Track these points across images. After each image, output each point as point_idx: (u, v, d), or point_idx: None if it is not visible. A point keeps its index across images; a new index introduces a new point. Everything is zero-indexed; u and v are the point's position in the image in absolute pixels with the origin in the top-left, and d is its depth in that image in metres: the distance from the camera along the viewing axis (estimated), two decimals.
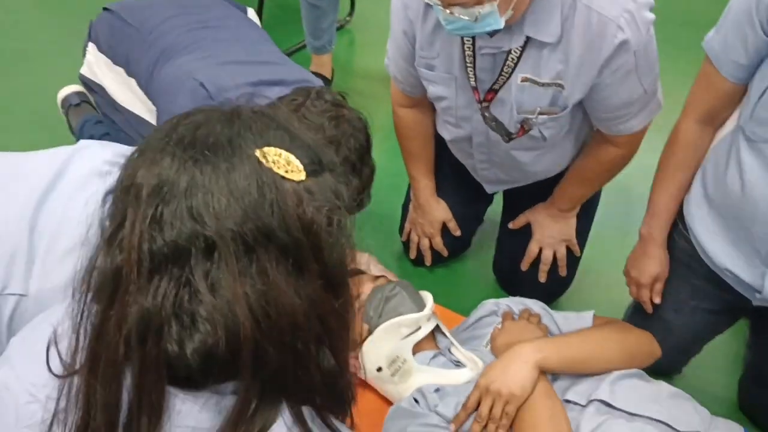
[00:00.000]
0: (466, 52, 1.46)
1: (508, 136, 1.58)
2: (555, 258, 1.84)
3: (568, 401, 1.33)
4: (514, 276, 1.91)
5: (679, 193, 1.49)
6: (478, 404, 1.32)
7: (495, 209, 2.00)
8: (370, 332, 1.52)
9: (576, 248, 1.83)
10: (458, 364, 1.50)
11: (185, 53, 1.72)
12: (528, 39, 1.40)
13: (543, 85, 1.45)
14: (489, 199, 1.98)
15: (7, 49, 2.72)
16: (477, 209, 2.00)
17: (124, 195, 0.68)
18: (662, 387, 1.40)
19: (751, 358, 1.61)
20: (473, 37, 1.43)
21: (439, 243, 1.95)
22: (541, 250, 1.83)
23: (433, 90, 1.60)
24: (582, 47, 1.37)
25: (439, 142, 1.82)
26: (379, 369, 1.52)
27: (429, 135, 1.82)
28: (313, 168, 0.73)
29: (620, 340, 1.44)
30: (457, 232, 1.94)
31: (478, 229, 2.05)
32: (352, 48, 2.97)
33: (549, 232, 1.80)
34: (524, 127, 1.55)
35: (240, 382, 0.69)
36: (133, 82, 1.81)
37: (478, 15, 1.25)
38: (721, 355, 1.80)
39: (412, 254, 2.01)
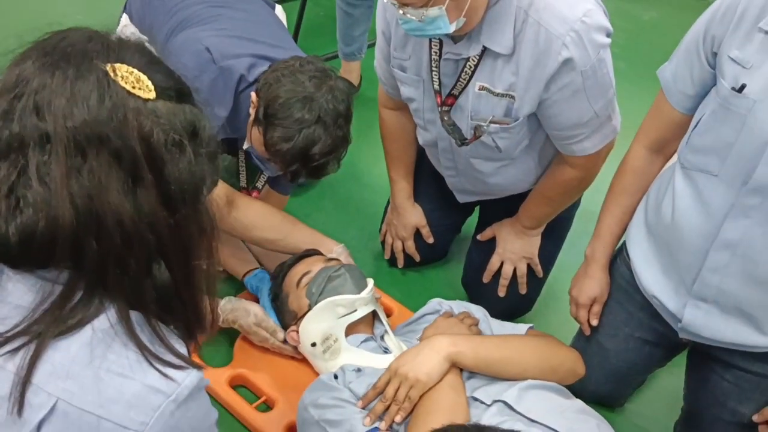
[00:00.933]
0: (433, 57, 1.54)
1: (462, 141, 1.63)
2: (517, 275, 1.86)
3: (475, 399, 1.36)
4: (478, 288, 1.94)
5: (624, 217, 1.50)
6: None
7: (473, 221, 2.04)
8: (309, 308, 1.60)
9: (538, 268, 1.85)
10: (387, 351, 1.56)
11: (200, 25, 1.84)
12: (485, 48, 1.45)
13: (497, 95, 1.50)
14: (467, 210, 2.03)
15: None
16: (455, 219, 2.05)
17: None
18: (575, 403, 1.41)
19: (687, 400, 1.58)
20: (440, 42, 1.51)
21: (411, 247, 2.01)
22: (503, 264, 1.86)
23: (404, 91, 1.68)
24: (530, 61, 1.41)
25: (422, 149, 1.89)
26: (313, 344, 1.59)
27: (410, 139, 1.89)
28: (169, 94, 0.79)
29: (541, 350, 1.46)
30: (430, 239, 1.99)
31: (454, 239, 2.09)
32: None
33: (511, 247, 1.83)
34: (476, 134, 1.60)
35: (66, 271, 0.75)
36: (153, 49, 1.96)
37: (423, 17, 1.31)
38: (666, 394, 1.77)
39: (386, 255, 2.07)
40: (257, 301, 1.79)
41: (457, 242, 2.12)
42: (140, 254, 0.76)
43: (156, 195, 0.76)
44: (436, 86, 1.58)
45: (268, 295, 1.75)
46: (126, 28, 2.06)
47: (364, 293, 1.58)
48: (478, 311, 1.63)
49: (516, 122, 1.53)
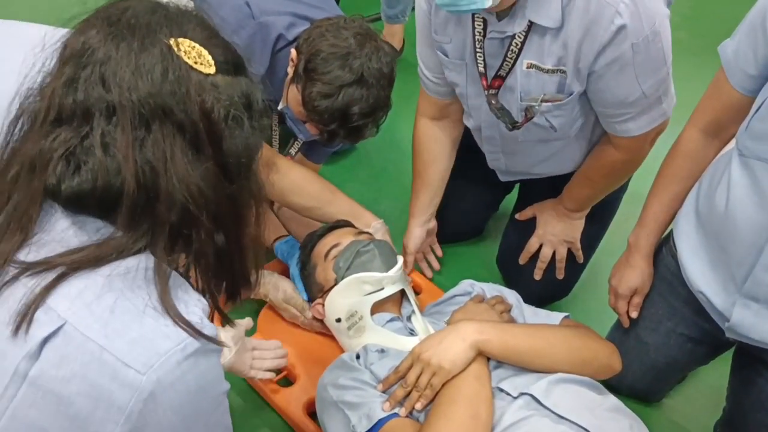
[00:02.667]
0: (476, 37, 1.44)
1: (512, 125, 1.54)
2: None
3: (501, 390, 1.29)
4: (514, 270, 1.86)
5: (673, 204, 1.40)
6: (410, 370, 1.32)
7: (513, 198, 1.95)
8: (336, 282, 1.55)
9: (579, 253, 1.76)
10: (413, 332, 1.50)
11: None
12: (531, 24, 1.35)
13: (547, 71, 1.40)
14: (507, 188, 1.94)
15: None
16: (493, 196, 1.96)
17: (59, 54, 0.80)
18: (608, 399, 1.33)
19: (729, 401, 1.49)
20: (483, 21, 1.41)
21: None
22: (541, 247, 1.77)
23: (448, 74, 1.58)
24: (580, 33, 1.31)
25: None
26: (338, 320, 1.54)
27: (438, 159, 1.77)
28: (227, 68, 0.81)
29: (572, 342, 1.37)
30: (438, 255, 1.95)
31: (491, 216, 2.01)
32: None
33: (551, 230, 1.74)
34: (527, 115, 1.50)
35: (121, 231, 0.77)
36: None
37: None
38: (709, 390, 1.67)
39: None
40: (286, 268, 1.74)
41: (495, 220, 2.04)
42: (197, 221, 0.79)
43: (215, 166, 0.78)
44: (481, 68, 1.48)
45: (297, 265, 1.71)
46: None
47: (392, 272, 1.52)
48: (512, 296, 1.55)
49: (569, 97, 1.43)
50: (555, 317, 1.50)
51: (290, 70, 1.63)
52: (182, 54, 0.77)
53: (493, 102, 1.53)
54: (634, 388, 1.58)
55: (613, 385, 1.47)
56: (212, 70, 0.79)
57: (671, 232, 1.45)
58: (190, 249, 0.81)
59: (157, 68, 0.75)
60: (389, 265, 1.53)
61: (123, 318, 0.75)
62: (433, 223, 1.87)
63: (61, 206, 0.77)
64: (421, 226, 1.83)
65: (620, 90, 1.37)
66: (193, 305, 0.80)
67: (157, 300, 0.77)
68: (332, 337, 1.63)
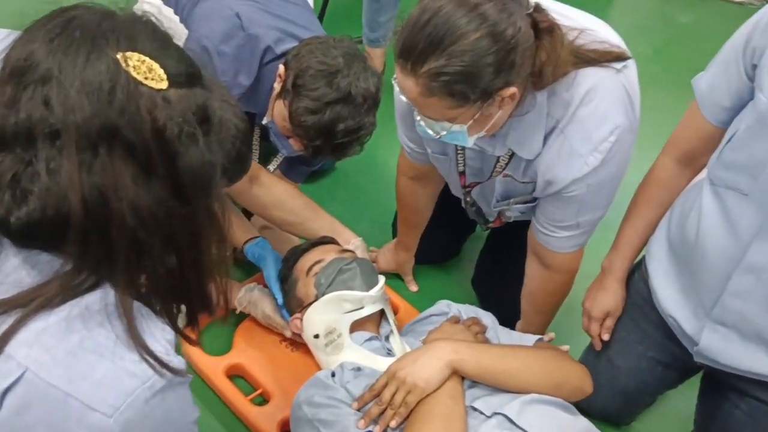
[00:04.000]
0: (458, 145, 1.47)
1: (485, 224, 1.60)
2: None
3: (474, 409, 1.31)
4: (489, 291, 1.88)
5: (646, 230, 1.44)
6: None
7: None
8: (316, 298, 1.55)
9: None
10: (390, 352, 1.51)
11: None
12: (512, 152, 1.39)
13: (522, 183, 1.44)
14: None
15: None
16: (469, 218, 1.98)
17: (1, 71, 0.74)
18: (579, 421, 1.35)
19: (698, 424, 1.52)
20: None
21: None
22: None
23: (430, 156, 1.59)
24: (549, 165, 1.34)
25: None
26: (316, 336, 1.54)
27: (425, 215, 1.83)
28: (181, 80, 0.76)
29: (546, 364, 1.40)
30: (413, 287, 2.00)
31: (468, 237, 2.03)
32: None
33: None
34: (500, 218, 1.57)
35: (73, 258, 0.74)
36: (177, 20, 1.92)
37: (441, 134, 1.25)
38: (678, 415, 1.70)
39: None
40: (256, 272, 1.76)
41: (471, 241, 2.06)
42: (150, 244, 0.75)
43: (168, 187, 0.74)
44: (461, 168, 1.52)
45: (275, 269, 1.70)
46: (147, 2, 2.01)
47: (373, 291, 1.53)
48: (487, 317, 1.57)
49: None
50: (529, 339, 1.52)
51: (277, 85, 1.65)
52: (131, 69, 0.72)
53: (468, 199, 1.59)
54: (605, 411, 1.60)
55: (584, 408, 1.48)
56: (164, 84, 0.74)
57: (643, 257, 1.48)
58: (147, 273, 0.78)
59: (104, 85, 0.70)
60: (371, 284, 1.55)
61: (86, 359, 0.72)
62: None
63: (11, 241, 0.73)
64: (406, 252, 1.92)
65: (557, 212, 1.41)
66: (159, 336, 0.78)
67: (124, 334, 0.74)
68: (308, 356, 1.63)
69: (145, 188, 0.72)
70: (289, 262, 1.68)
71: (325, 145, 1.59)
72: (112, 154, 0.70)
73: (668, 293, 1.37)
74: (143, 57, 0.73)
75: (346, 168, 2.32)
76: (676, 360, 1.46)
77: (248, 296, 1.70)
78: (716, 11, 3.50)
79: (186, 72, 0.77)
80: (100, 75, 0.70)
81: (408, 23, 1.16)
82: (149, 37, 0.76)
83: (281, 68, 1.63)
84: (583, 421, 1.36)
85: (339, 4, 3.04)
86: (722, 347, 1.29)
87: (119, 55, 0.72)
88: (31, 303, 0.72)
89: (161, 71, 0.74)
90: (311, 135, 1.58)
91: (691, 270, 1.30)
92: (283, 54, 1.68)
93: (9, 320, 0.71)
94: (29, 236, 0.72)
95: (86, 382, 0.71)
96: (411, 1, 1.23)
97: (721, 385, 1.41)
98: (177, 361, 0.77)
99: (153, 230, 0.74)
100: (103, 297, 0.75)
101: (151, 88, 0.73)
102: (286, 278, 1.67)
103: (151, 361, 0.74)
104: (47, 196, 0.69)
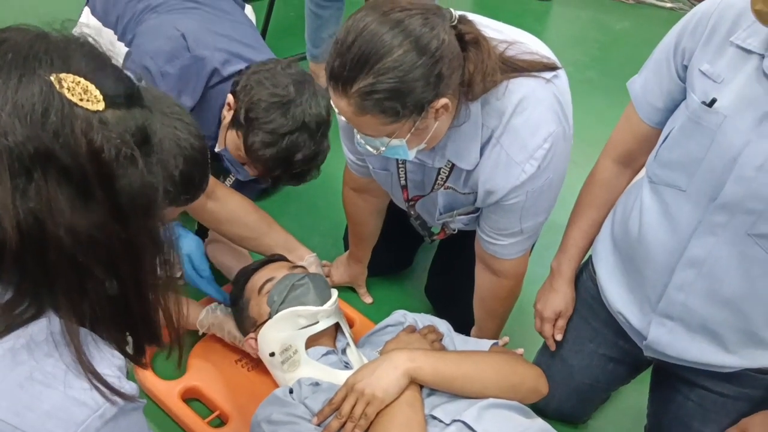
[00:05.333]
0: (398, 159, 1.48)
1: (430, 237, 1.64)
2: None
3: (433, 417, 1.31)
4: (442, 298, 1.90)
5: (590, 230, 1.47)
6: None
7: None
8: (270, 316, 1.54)
9: None
10: (348, 365, 1.51)
11: (174, 13, 1.79)
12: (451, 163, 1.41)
13: (463, 194, 1.47)
14: None
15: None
16: None
17: None
18: (536, 423, 1.37)
19: (650, 417, 1.56)
20: None
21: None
22: None
23: (372, 172, 1.61)
24: (489, 175, 1.36)
25: None
26: (272, 354, 1.53)
27: (373, 225, 1.85)
28: (118, 101, 0.74)
29: (501, 367, 1.41)
30: (367, 299, 2.02)
31: (420, 247, 2.05)
32: None
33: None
34: (445, 230, 1.60)
35: (11, 286, 0.72)
36: (116, 39, 1.89)
37: (381, 150, 1.28)
38: (631, 410, 1.73)
39: None
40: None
41: (423, 251, 2.08)
42: (90, 269, 0.73)
43: (107, 210, 0.72)
44: (403, 182, 1.54)
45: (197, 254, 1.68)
46: (88, 21, 1.99)
47: (327, 305, 1.53)
48: (443, 325, 1.58)
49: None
50: (484, 344, 1.54)
51: (227, 114, 1.64)
52: (65, 91, 0.70)
53: (412, 213, 1.61)
54: (561, 410, 1.63)
55: (540, 408, 1.51)
56: (100, 105, 0.72)
57: (590, 257, 1.52)
58: (90, 299, 0.75)
59: (37, 108, 0.68)
60: (324, 298, 1.54)
61: (33, 391, 0.71)
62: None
63: None
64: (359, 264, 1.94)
65: (501, 221, 1.44)
66: (109, 362, 0.76)
67: (72, 363, 0.73)
68: (265, 376, 1.62)
69: (83, 212, 0.71)
70: (239, 282, 1.66)
71: (285, 174, 1.61)
72: (47, 178, 0.69)
73: (615, 290, 1.40)
74: (78, 78, 0.72)
75: None
76: (627, 355, 1.49)
77: (211, 318, 1.67)
78: (649, 17, 3.61)
79: (124, 92, 0.76)
80: (32, 97, 0.69)
81: (335, 45, 1.18)
82: (85, 57, 0.75)
83: (230, 98, 1.62)
84: (540, 422, 1.38)
85: (281, 21, 3.04)
86: (669, 340, 1.33)
87: (53, 77, 0.70)
88: None
89: (97, 92, 0.72)
90: (270, 166, 1.59)
91: (636, 267, 1.34)
92: (230, 76, 1.67)
93: None
94: None
95: (34, 414, 0.70)
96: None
97: (670, 378, 1.45)
98: (129, 387, 0.76)
99: (93, 255, 0.72)
100: (47, 325, 0.73)
101: (87, 109, 0.71)
102: (237, 300, 1.65)
103: (102, 388, 0.73)
104: None
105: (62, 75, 0.71)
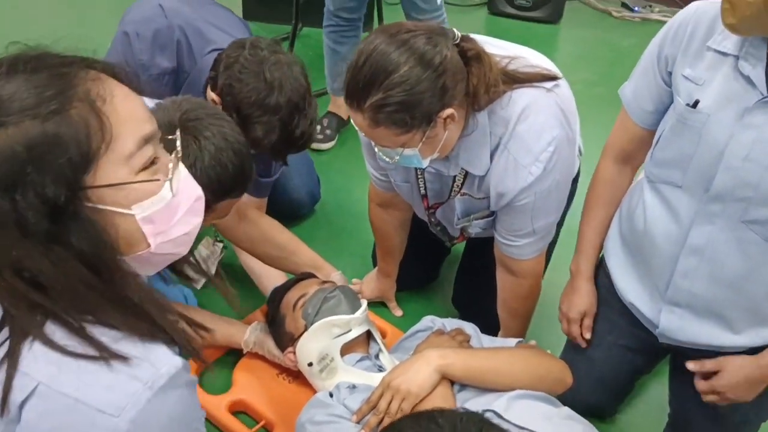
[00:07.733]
0: (417, 169, 1.60)
1: (450, 241, 1.74)
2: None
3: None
4: (469, 308, 1.99)
5: (601, 228, 1.57)
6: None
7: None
8: (306, 329, 1.65)
9: None
10: (381, 369, 1.61)
11: None
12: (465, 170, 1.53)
13: (479, 198, 1.58)
14: None
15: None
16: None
17: None
18: (563, 410, 1.46)
19: (672, 404, 1.63)
20: None
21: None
22: None
23: (394, 185, 1.73)
24: (498, 179, 1.48)
25: None
26: (310, 364, 1.63)
27: (399, 239, 1.95)
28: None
29: (528, 360, 1.50)
30: (398, 312, 2.12)
31: (445, 260, 2.16)
32: None
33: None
34: (463, 234, 1.70)
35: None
36: None
37: (396, 159, 1.39)
38: (658, 405, 1.80)
39: None
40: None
41: (449, 263, 2.18)
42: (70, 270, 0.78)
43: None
44: (423, 191, 1.66)
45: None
46: None
47: (358, 313, 1.64)
48: (470, 327, 1.67)
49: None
50: (510, 342, 1.62)
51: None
52: None
53: (432, 220, 1.72)
54: (587, 403, 1.69)
55: (567, 404, 1.58)
56: None
57: (602, 254, 1.62)
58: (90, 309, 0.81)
59: None
60: (355, 307, 1.65)
61: (90, 367, 0.78)
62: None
63: None
64: (387, 278, 2.04)
65: (514, 223, 1.55)
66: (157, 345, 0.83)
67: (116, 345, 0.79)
68: (305, 385, 1.72)
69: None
70: (274, 302, 1.78)
71: (291, 148, 1.73)
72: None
73: (627, 283, 1.50)
74: None
75: (325, 210, 2.46)
76: (644, 344, 1.57)
77: (254, 337, 1.78)
78: (655, 33, 3.71)
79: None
80: None
81: (349, 68, 1.32)
82: None
83: (214, 95, 1.71)
84: (566, 409, 1.45)
85: (302, 58, 3.19)
86: (680, 326, 1.42)
87: None
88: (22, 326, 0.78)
89: None
90: (276, 150, 1.71)
91: (644, 258, 1.44)
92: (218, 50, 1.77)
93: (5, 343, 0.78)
94: None
95: (92, 388, 0.77)
96: None
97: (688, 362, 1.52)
98: (175, 362, 0.82)
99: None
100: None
101: None
102: (273, 318, 1.76)
103: (147, 365, 0.80)
104: None
105: None
